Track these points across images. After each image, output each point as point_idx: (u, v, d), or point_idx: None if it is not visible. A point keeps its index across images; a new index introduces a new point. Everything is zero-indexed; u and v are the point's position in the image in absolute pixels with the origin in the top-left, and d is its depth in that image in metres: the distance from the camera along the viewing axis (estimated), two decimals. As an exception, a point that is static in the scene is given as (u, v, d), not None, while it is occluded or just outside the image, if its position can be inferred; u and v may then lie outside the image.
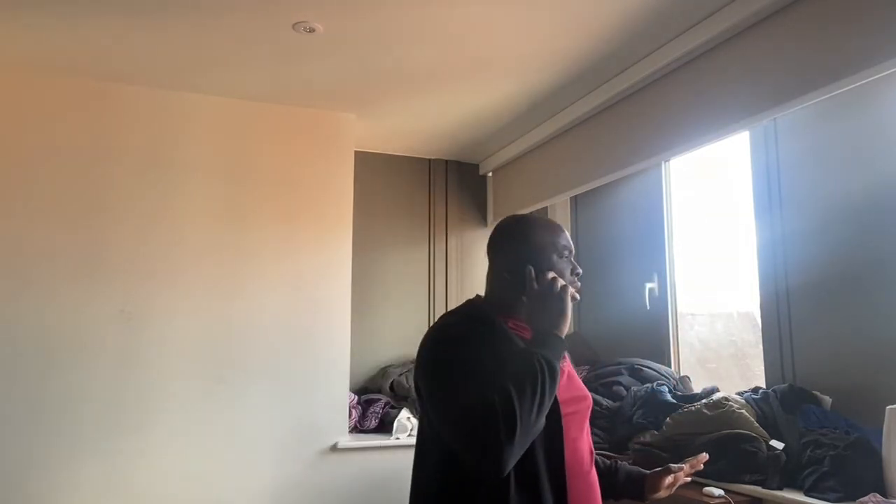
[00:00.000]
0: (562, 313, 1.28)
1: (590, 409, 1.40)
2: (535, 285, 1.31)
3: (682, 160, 3.29)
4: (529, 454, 1.18)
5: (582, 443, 1.32)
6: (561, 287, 1.30)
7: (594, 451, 1.39)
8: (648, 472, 1.49)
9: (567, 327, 1.28)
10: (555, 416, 1.22)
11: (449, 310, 1.45)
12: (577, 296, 1.37)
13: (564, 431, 1.25)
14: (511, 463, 1.13)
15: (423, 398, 1.30)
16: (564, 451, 1.24)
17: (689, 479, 1.49)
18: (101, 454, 2.89)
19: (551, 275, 1.33)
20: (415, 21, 2.53)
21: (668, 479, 1.45)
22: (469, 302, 1.43)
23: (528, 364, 1.18)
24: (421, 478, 1.33)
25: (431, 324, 4.29)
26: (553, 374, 1.19)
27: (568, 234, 1.45)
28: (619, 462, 1.53)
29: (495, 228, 1.47)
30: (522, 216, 1.49)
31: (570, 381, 1.34)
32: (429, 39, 2.68)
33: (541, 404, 1.15)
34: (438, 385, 1.23)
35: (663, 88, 2.84)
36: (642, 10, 2.43)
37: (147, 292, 3.05)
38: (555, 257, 1.38)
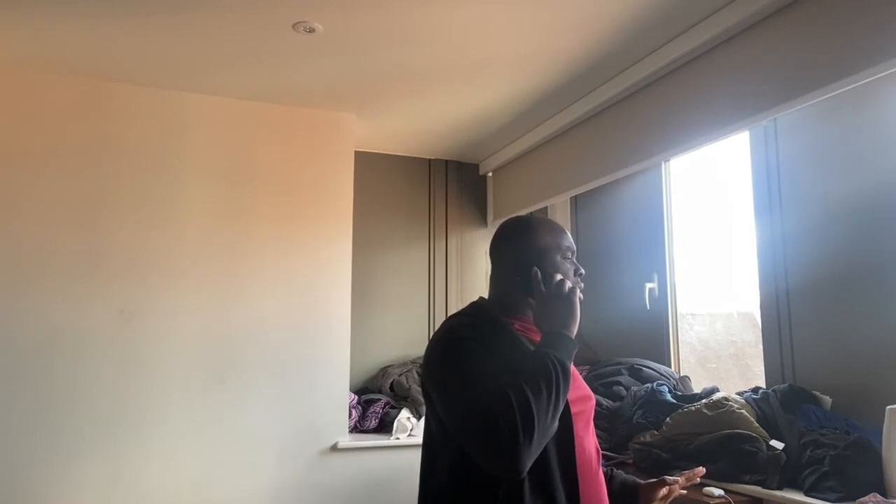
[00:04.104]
0: (572, 314, 1.28)
1: (594, 408, 1.40)
2: (543, 287, 1.31)
3: (682, 160, 3.29)
4: (543, 454, 1.17)
5: (589, 442, 1.32)
6: (569, 289, 1.30)
7: (600, 451, 1.39)
8: (643, 482, 1.48)
9: (576, 328, 1.28)
10: (566, 416, 1.22)
11: (452, 312, 1.45)
12: (581, 296, 1.37)
13: (574, 430, 1.25)
14: (528, 464, 1.11)
15: (432, 400, 1.29)
16: (575, 451, 1.24)
17: (684, 491, 1.49)
18: (102, 454, 2.90)
19: (558, 276, 1.33)
20: (415, 21, 2.53)
21: (663, 491, 1.44)
22: (474, 304, 1.42)
23: (542, 364, 1.18)
24: (431, 480, 1.31)
25: (432, 324, 4.30)
26: (566, 374, 1.19)
27: (569, 234, 1.45)
28: (616, 470, 1.53)
29: (498, 230, 1.47)
30: (524, 217, 1.49)
31: (575, 381, 1.33)
32: (429, 39, 2.68)
33: (556, 405, 1.15)
34: (451, 386, 1.22)
35: (663, 88, 2.84)
36: (642, 10, 2.43)
37: (147, 292, 3.05)
38: (558, 258, 1.39)
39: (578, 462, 1.24)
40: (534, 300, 1.33)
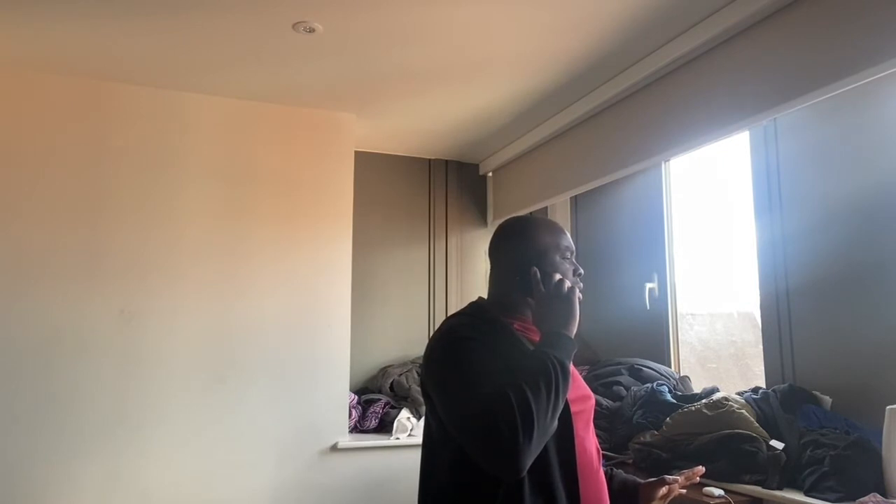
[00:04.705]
0: (571, 314, 1.28)
1: (594, 408, 1.40)
2: (542, 287, 1.31)
3: (682, 160, 3.29)
4: (542, 454, 1.17)
5: (589, 442, 1.33)
6: (568, 288, 1.30)
7: (600, 451, 1.39)
8: (643, 481, 1.48)
9: (576, 328, 1.28)
10: (565, 416, 1.22)
11: (452, 312, 1.45)
12: (581, 296, 1.37)
13: (574, 430, 1.25)
14: (528, 464, 1.11)
15: (431, 399, 1.28)
16: (576, 450, 1.24)
17: (684, 490, 1.49)
18: (102, 454, 2.90)
19: (557, 276, 1.33)
20: (415, 21, 2.53)
21: (663, 490, 1.44)
22: (473, 304, 1.43)
23: (542, 364, 1.18)
24: (432, 479, 1.31)
25: (431, 324, 4.30)
26: (566, 373, 1.19)
27: (568, 234, 1.45)
28: (615, 469, 1.53)
29: (497, 230, 1.47)
30: (524, 217, 1.49)
31: (575, 381, 1.33)
32: (429, 39, 2.68)
33: (556, 404, 1.15)
34: (450, 386, 1.22)
35: (663, 88, 2.84)
36: (642, 10, 2.43)
37: (147, 292, 3.05)
38: (557, 258, 1.39)
39: (579, 461, 1.24)
40: (533, 300, 1.33)
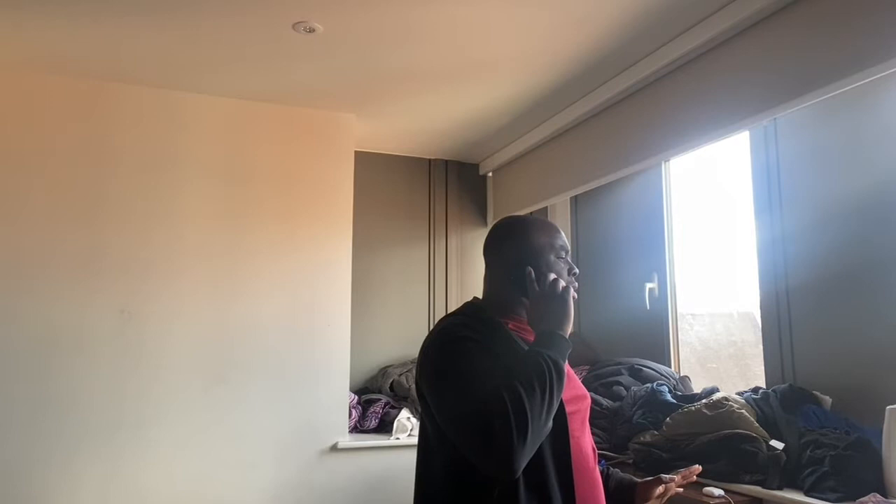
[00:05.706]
0: (565, 314, 1.28)
1: (589, 407, 1.40)
2: (537, 287, 1.31)
3: (683, 160, 3.29)
4: (538, 454, 1.17)
5: (584, 441, 1.32)
6: (563, 288, 1.30)
7: (596, 450, 1.39)
8: (639, 480, 1.48)
9: (570, 327, 1.28)
10: (560, 415, 1.22)
11: (448, 312, 1.45)
12: (575, 295, 1.37)
13: (569, 430, 1.25)
14: (523, 464, 1.11)
15: (426, 399, 1.28)
16: (570, 450, 1.24)
17: (681, 489, 1.49)
18: (102, 454, 2.90)
19: (552, 276, 1.33)
20: (415, 21, 2.53)
21: (659, 489, 1.44)
22: (468, 304, 1.43)
23: (536, 364, 1.18)
24: (427, 479, 1.31)
25: (431, 324, 4.31)
26: (560, 373, 1.19)
27: (563, 234, 1.45)
28: (612, 469, 1.53)
29: (491, 230, 1.47)
30: (518, 217, 1.50)
31: (570, 380, 1.33)
32: (429, 39, 2.68)
33: (550, 404, 1.15)
34: (445, 386, 1.22)
35: (663, 88, 2.84)
36: (642, 10, 2.43)
37: (147, 292, 3.05)
38: (552, 258, 1.39)
39: (574, 461, 1.24)
40: (528, 300, 1.33)
